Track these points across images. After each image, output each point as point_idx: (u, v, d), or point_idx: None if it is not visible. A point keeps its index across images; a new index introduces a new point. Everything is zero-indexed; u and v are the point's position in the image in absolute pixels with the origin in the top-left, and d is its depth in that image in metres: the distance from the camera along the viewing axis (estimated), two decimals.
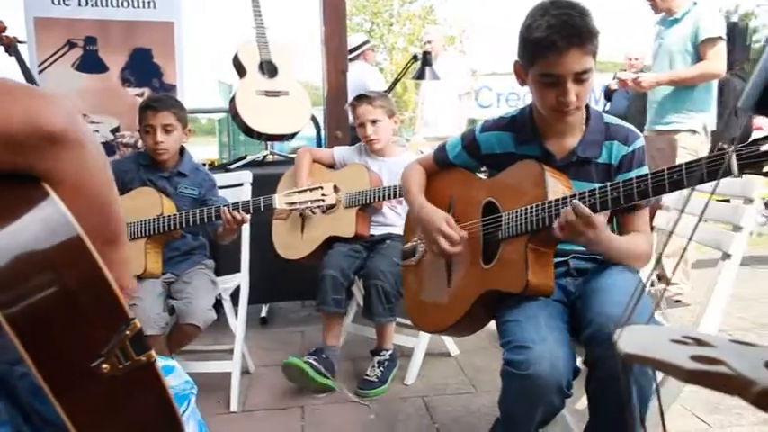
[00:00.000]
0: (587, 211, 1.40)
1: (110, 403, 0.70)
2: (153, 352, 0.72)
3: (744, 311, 3.43)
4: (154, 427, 0.75)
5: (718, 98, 4.38)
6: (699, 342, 0.58)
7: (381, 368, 2.59)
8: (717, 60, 3.33)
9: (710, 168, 1.21)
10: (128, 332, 0.69)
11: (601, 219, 1.46)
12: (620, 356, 0.56)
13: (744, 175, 1.21)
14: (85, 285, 0.68)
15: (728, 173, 1.20)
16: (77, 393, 0.67)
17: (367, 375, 2.58)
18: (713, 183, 1.31)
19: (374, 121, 2.74)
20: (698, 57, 3.39)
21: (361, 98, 2.77)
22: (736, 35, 5.57)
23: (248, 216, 2.29)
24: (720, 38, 3.34)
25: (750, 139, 1.18)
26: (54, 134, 0.68)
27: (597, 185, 1.44)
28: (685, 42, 3.42)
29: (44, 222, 0.67)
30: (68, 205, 0.69)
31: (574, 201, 1.42)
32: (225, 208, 2.26)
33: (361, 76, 4.95)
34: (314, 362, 2.48)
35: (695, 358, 0.52)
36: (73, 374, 0.67)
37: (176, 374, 1.27)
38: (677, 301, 3.65)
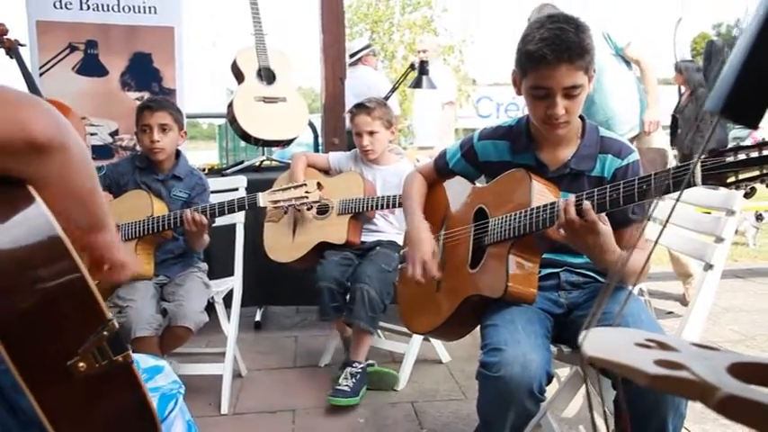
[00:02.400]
0: (594, 215, 1.40)
1: (86, 401, 0.72)
2: (130, 352, 0.74)
3: (734, 323, 3.45)
4: (130, 426, 0.77)
5: (694, 110, 4.56)
6: (662, 346, 0.60)
7: (354, 380, 2.50)
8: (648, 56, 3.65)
9: (677, 179, 1.24)
10: (105, 332, 0.71)
11: (607, 228, 1.44)
12: (584, 359, 0.58)
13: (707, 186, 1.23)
14: (65, 286, 0.70)
15: (692, 183, 1.22)
16: (53, 390, 0.69)
17: (338, 385, 2.48)
18: (694, 192, 1.32)
19: (371, 133, 2.75)
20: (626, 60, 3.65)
21: (361, 108, 2.77)
22: (713, 53, 5.75)
23: (206, 220, 2.29)
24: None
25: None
26: (41, 143, 0.71)
27: (574, 195, 1.46)
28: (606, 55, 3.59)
29: (27, 224, 0.69)
30: (53, 205, 0.72)
31: (585, 203, 1.41)
32: (188, 210, 2.28)
33: (365, 79, 4.98)
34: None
35: (659, 363, 0.53)
36: (49, 372, 0.69)
37: (165, 374, 1.28)
38: (669, 312, 3.68)
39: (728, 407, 0.46)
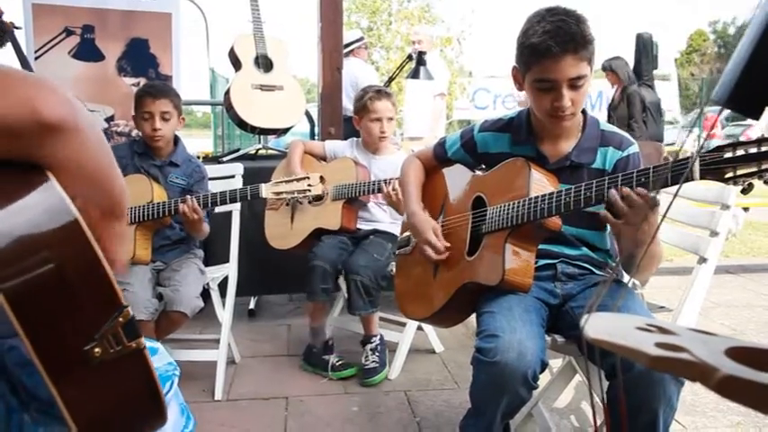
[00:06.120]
0: (647, 193, 1.36)
1: (100, 386, 0.72)
2: (143, 339, 0.74)
3: (726, 318, 3.49)
4: (140, 410, 0.77)
5: (626, 109, 4.70)
6: (662, 330, 0.61)
7: (377, 353, 2.66)
8: None
9: (675, 172, 1.25)
10: (120, 318, 0.71)
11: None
12: (585, 341, 0.59)
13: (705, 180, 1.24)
14: (81, 270, 0.69)
15: (690, 178, 1.23)
16: (69, 374, 0.69)
17: (366, 364, 2.63)
18: (690, 185, 1.33)
19: (390, 119, 2.78)
20: None
21: (382, 93, 2.79)
22: (642, 47, 5.67)
23: (202, 211, 2.30)
24: None
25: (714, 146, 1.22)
26: (53, 124, 0.69)
27: (573, 186, 1.47)
28: None
29: (42, 206, 0.68)
30: (68, 187, 0.71)
31: (637, 188, 1.37)
32: (188, 198, 2.28)
33: (355, 72, 4.99)
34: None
35: (659, 345, 0.54)
36: (66, 356, 0.69)
37: (160, 356, 1.28)
38: (662, 307, 3.70)
39: (727, 387, 0.47)
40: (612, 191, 1.39)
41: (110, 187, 0.79)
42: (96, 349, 0.71)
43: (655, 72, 6.09)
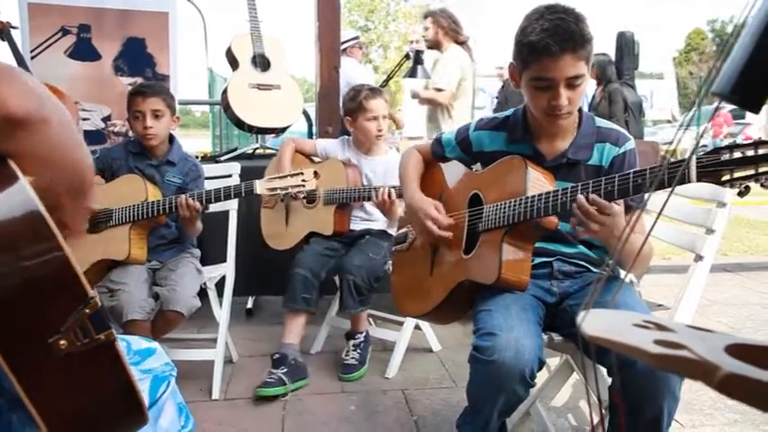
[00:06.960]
0: (602, 201, 1.39)
1: (67, 379, 0.70)
2: (113, 330, 0.73)
3: (722, 315, 3.50)
4: (113, 405, 0.76)
5: (607, 107, 4.58)
6: (659, 327, 0.60)
7: (358, 350, 2.68)
8: None
9: (672, 174, 1.24)
10: (87, 310, 0.70)
11: (618, 208, 1.42)
12: (582, 338, 0.58)
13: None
14: (46, 265, 0.68)
15: (687, 180, 1.23)
16: (33, 368, 0.68)
17: (345, 359, 2.65)
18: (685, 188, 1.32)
19: (384, 117, 2.78)
20: None
21: (376, 92, 2.79)
22: (624, 45, 5.56)
23: (199, 205, 2.28)
24: None
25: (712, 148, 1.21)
26: (19, 118, 0.69)
27: (570, 185, 1.46)
28: None
29: (9, 202, 0.67)
30: (34, 173, 0.70)
31: (591, 195, 1.41)
32: (182, 196, 2.28)
33: (347, 73, 4.98)
34: (284, 377, 2.45)
35: (658, 342, 0.53)
36: (29, 349, 0.67)
37: (157, 357, 1.28)
38: (660, 305, 3.70)
39: (730, 385, 0.47)
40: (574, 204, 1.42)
41: (76, 167, 0.79)
42: (62, 341, 0.69)
43: (636, 71, 6.02)
